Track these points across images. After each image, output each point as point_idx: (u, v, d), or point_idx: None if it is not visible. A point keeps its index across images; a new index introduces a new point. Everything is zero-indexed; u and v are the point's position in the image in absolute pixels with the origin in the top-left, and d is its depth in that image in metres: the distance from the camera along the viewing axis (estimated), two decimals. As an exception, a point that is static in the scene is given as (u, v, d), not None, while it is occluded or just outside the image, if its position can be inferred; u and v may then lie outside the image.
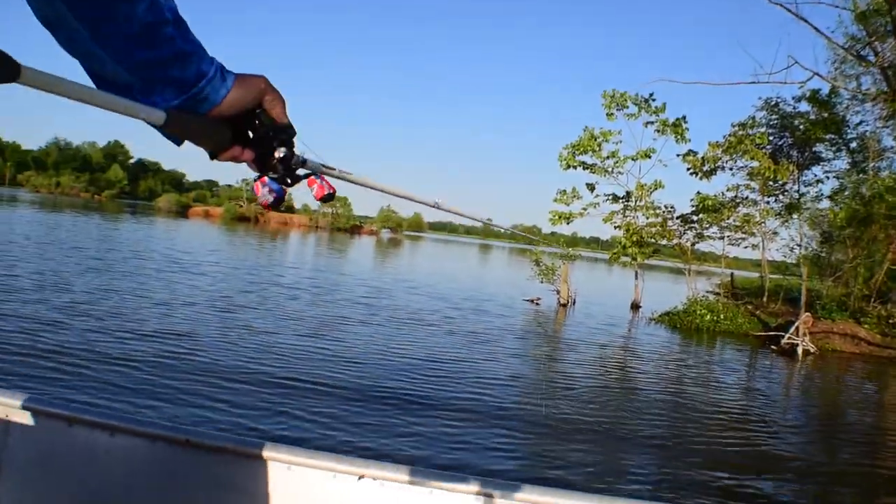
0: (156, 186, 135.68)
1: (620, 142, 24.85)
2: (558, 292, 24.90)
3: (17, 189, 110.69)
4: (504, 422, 7.79)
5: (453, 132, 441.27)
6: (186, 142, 0.94)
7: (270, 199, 0.98)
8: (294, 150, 0.97)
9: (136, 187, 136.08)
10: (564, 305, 24.07)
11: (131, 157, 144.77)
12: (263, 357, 9.50)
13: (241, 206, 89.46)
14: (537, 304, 23.37)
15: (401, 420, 7.29)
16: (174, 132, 0.85)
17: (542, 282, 25.60)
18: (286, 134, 0.95)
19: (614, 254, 25.82)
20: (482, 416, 7.89)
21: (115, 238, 30.91)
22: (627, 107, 24.41)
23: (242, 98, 0.90)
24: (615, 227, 25.92)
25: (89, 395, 6.77)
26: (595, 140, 24.55)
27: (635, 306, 26.14)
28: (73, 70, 0.82)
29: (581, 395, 9.85)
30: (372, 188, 1.15)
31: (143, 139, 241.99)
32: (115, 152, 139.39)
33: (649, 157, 24.53)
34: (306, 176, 1.02)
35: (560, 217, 25.44)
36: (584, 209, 25.78)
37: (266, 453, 1.91)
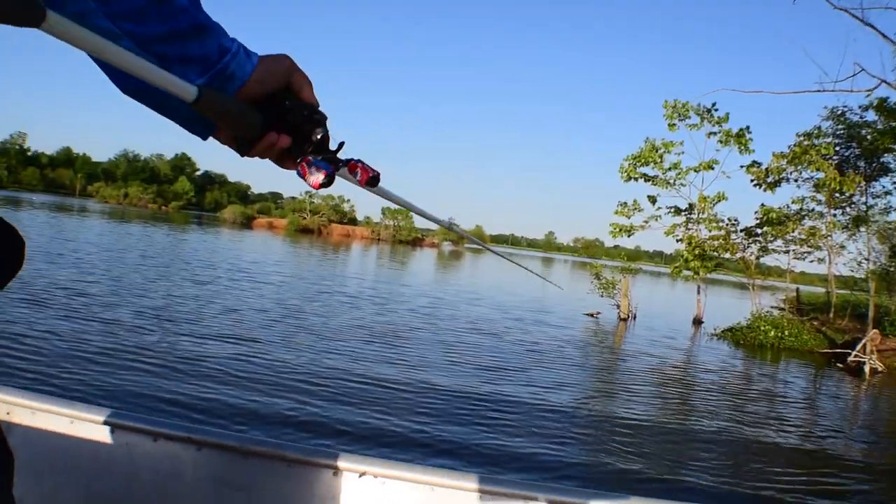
0: (221, 198, 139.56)
1: (682, 153, 24.72)
2: (618, 306, 24.72)
3: (87, 200, 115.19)
4: (561, 426, 7.93)
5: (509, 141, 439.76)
6: (212, 138, 0.93)
7: (321, 177, 0.86)
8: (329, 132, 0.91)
9: (202, 199, 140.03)
10: (625, 320, 23.86)
11: (198, 170, 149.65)
12: (328, 360, 9.85)
13: (305, 218, 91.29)
14: (597, 317, 23.28)
15: (457, 418, 7.52)
16: (206, 113, 0.75)
17: (602, 296, 25.39)
18: (319, 115, 0.91)
19: (676, 267, 25.56)
20: (538, 420, 8.05)
21: (184, 248, 32.01)
22: (689, 117, 24.12)
23: (270, 76, 0.86)
24: (677, 241, 25.64)
25: (168, 394, 7.18)
26: (656, 151, 24.40)
27: (697, 321, 25.77)
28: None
29: (638, 407, 9.88)
30: (385, 197, 1.05)
31: (209, 152, 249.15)
32: (182, 164, 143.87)
33: (712, 169, 24.30)
34: (348, 160, 0.91)
35: (621, 230, 25.34)
36: (646, 222, 25.63)
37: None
